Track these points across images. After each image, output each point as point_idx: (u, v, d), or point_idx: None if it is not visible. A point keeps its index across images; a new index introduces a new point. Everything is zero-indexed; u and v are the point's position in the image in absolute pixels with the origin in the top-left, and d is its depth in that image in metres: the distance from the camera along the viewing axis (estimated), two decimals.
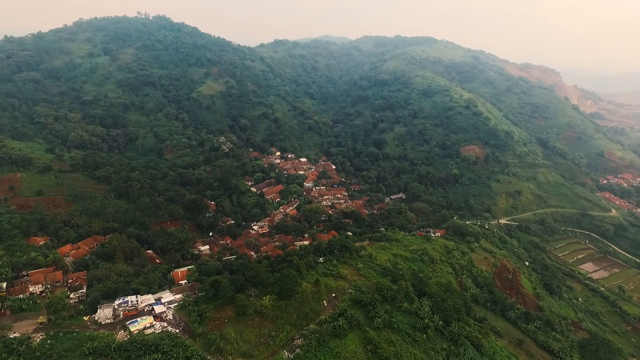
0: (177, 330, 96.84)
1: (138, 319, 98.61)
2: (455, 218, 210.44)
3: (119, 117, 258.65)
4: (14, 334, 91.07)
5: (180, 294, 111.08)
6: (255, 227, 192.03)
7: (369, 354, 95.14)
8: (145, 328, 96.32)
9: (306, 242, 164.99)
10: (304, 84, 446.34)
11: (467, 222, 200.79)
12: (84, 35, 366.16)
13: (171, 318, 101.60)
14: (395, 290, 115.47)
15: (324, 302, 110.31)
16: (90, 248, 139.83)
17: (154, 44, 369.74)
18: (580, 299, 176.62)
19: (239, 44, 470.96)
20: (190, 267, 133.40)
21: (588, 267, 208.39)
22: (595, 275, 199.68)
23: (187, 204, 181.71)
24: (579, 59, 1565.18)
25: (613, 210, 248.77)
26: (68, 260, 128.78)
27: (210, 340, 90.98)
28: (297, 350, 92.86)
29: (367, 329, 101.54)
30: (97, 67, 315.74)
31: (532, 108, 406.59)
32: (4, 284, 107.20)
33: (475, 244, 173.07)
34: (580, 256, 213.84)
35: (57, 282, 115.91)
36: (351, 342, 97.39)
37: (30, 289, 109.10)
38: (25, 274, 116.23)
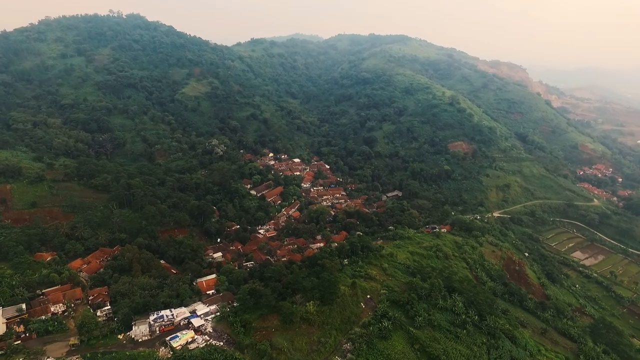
0: (221, 343, 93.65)
1: (178, 334, 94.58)
2: (453, 214, 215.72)
3: (103, 122, 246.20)
4: (48, 359, 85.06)
5: (215, 305, 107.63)
6: (262, 231, 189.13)
7: (417, 353, 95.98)
8: (187, 343, 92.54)
9: (320, 244, 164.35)
10: (285, 83, 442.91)
11: (468, 217, 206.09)
12: (54, 35, 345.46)
13: (211, 330, 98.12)
14: (428, 288, 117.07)
15: (362, 304, 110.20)
16: (101, 261, 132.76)
17: (131, 43, 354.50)
18: (577, 286, 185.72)
19: (215, 43, 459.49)
20: (212, 276, 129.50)
21: (578, 255, 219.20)
22: (586, 263, 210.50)
23: (192, 210, 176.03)
24: (532, 55, 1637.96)
25: (595, 200, 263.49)
26: (83, 275, 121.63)
27: (261, 351, 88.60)
28: (349, 355, 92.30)
29: (410, 328, 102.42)
30: (72, 69, 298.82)
31: (508, 104, 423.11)
32: (23, 305, 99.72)
33: (482, 238, 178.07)
34: (570, 245, 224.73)
35: (77, 299, 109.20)
36: (397, 343, 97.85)
37: (52, 309, 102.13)
38: (41, 293, 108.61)
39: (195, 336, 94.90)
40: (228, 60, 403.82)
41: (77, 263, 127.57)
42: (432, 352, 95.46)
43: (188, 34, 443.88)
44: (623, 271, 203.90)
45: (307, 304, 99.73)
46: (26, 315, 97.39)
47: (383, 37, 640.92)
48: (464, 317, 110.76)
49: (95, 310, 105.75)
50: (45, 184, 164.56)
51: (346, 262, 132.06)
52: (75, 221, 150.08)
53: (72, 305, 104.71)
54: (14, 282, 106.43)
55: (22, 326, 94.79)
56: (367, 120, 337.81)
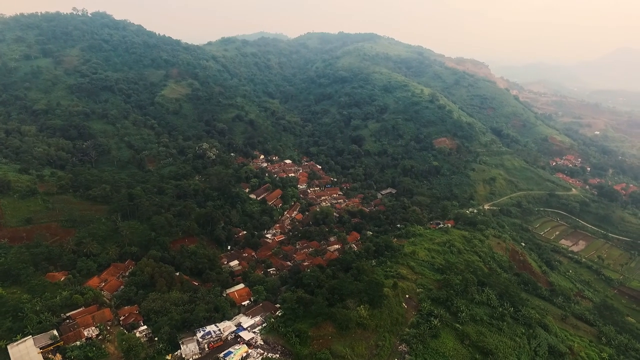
0: (277, 355, 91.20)
1: (231, 350, 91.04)
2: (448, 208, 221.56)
3: (83, 128, 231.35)
4: None
5: (258, 316, 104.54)
6: (269, 236, 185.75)
7: (469, 349, 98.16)
8: (242, 358, 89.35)
9: (336, 246, 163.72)
10: (261, 83, 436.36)
11: (468, 211, 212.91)
12: (13, 35, 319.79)
13: (262, 343, 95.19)
14: (462, 283, 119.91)
15: (404, 304, 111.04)
16: (118, 278, 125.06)
17: (101, 44, 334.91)
18: (571, 271, 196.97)
19: (187, 43, 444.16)
20: (241, 285, 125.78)
21: (564, 242, 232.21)
22: (573, 249, 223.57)
23: (199, 217, 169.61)
24: (485, 51, 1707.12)
25: (573, 189, 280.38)
26: (105, 294, 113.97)
27: None
28: (407, 356, 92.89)
29: (455, 325, 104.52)
30: (39, 71, 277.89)
31: (480, 99, 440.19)
32: (55, 332, 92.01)
33: (487, 231, 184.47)
34: (556, 233, 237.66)
35: (108, 321, 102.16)
36: (447, 340, 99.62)
37: (85, 333, 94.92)
38: (66, 316, 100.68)
39: (249, 350, 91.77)
40: (203, 61, 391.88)
41: (94, 282, 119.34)
42: (484, 347, 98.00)
43: (158, 33, 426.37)
44: (607, 255, 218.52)
45: (359, 308, 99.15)
46: (61, 342, 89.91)
47: (353, 36, 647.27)
48: (500, 309, 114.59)
49: (130, 330, 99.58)
50: (38, 198, 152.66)
51: (374, 263, 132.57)
52: (80, 236, 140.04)
53: (109, 328, 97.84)
54: (37, 308, 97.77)
55: (58, 354, 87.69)
56: (351, 119, 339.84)
